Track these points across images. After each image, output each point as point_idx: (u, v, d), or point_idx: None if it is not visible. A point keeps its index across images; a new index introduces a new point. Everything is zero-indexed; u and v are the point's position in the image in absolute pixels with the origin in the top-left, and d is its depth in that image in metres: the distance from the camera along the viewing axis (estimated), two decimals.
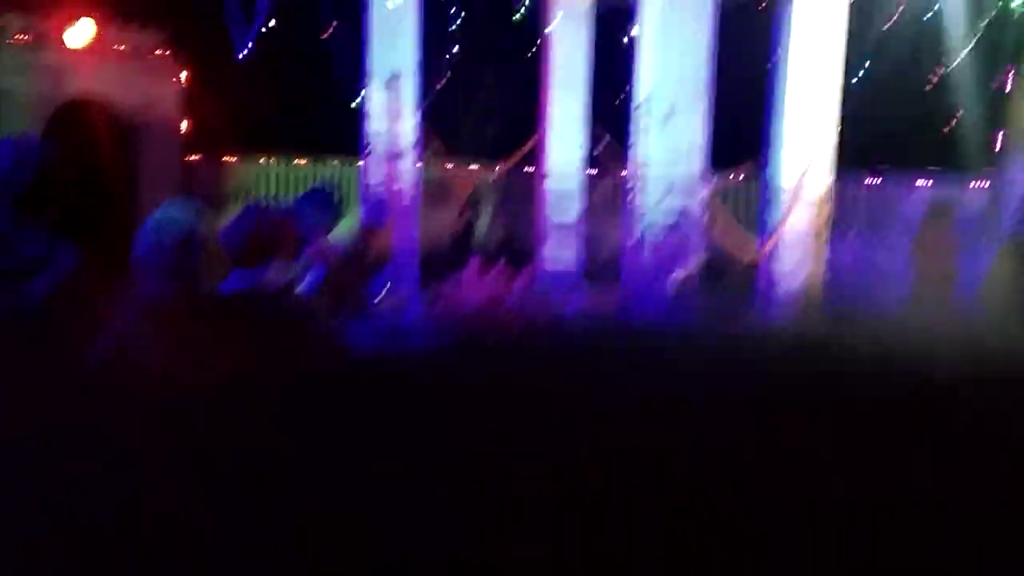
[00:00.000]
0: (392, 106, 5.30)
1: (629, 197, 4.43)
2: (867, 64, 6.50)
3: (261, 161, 16.34)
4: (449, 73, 6.60)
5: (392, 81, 5.30)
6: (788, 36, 5.56)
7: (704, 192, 4.39)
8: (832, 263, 5.92)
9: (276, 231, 3.09)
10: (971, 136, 11.79)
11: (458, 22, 6.51)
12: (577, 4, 6.50)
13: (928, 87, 6.37)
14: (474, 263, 3.97)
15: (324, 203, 4.30)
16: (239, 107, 16.55)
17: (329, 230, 3.72)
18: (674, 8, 4.19)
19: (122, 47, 13.91)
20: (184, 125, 14.79)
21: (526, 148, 6.68)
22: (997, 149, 12.28)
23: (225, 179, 15.50)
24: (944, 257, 6.81)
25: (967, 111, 7.71)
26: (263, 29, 4.63)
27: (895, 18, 5.90)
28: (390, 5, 4.57)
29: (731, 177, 6.85)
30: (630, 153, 4.37)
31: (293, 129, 19.76)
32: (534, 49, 6.93)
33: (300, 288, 3.17)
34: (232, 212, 3.24)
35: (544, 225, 6.72)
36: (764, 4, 6.37)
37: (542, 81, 6.66)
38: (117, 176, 12.88)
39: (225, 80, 15.68)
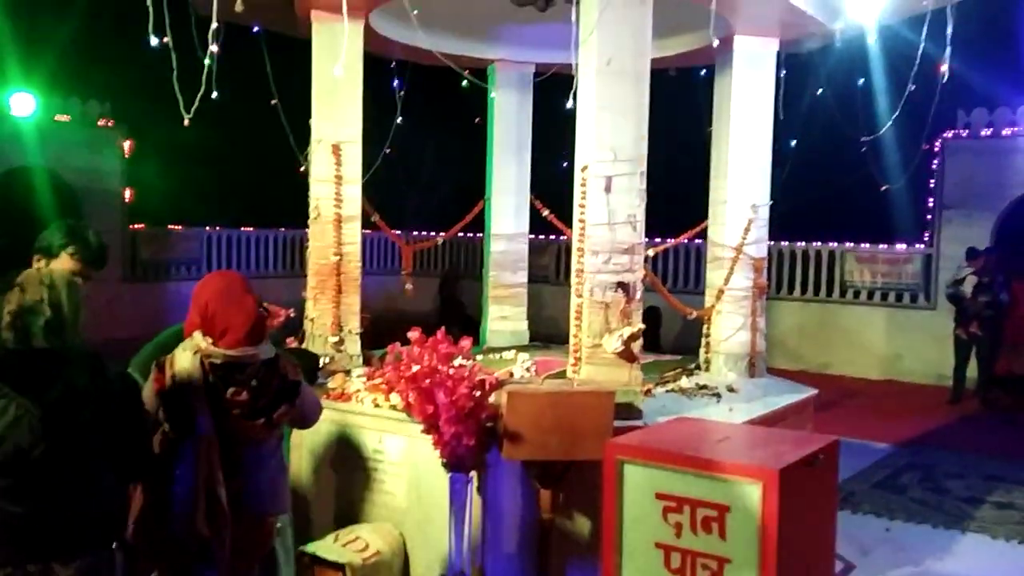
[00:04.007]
0: (336, 173, 5.33)
1: (573, 261, 4.49)
2: (798, 133, 6.75)
3: (207, 228, 16.31)
4: (391, 141, 6.68)
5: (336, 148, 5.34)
6: (724, 103, 5.77)
7: (643, 255, 4.47)
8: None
9: None
10: (901, 204, 12.33)
11: (402, 91, 6.61)
12: (518, 71, 6.68)
13: (858, 154, 6.62)
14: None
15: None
16: (183, 177, 16.49)
17: None
18: (609, 80, 4.31)
19: (67, 117, 13.92)
20: (128, 194, 14.74)
21: (471, 215, 6.76)
22: (928, 216, 12.89)
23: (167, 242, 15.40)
24: None
25: (895, 179, 8.01)
26: (207, 98, 4.64)
27: (823, 89, 6.15)
28: (336, 73, 4.62)
29: (674, 240, 7.00)
30: (575, 218, 4.43)
31: (238, 197, 19.70)
32: (476, 119, 7.08)
33: None
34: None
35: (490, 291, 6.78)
36: (701, 73, 6.61)
37: (486, 148, 6.79)
38: None
39: (168, 151, 15.60)
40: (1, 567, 2.54)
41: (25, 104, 13.48)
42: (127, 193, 14.81)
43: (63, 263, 3.64)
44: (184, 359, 2.93)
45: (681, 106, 7.50)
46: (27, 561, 2.53)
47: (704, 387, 5.25)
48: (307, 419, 3.36)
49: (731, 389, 5.32)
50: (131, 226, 14.88)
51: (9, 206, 13.95)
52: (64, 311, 2.66)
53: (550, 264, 16.07)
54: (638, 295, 4.38)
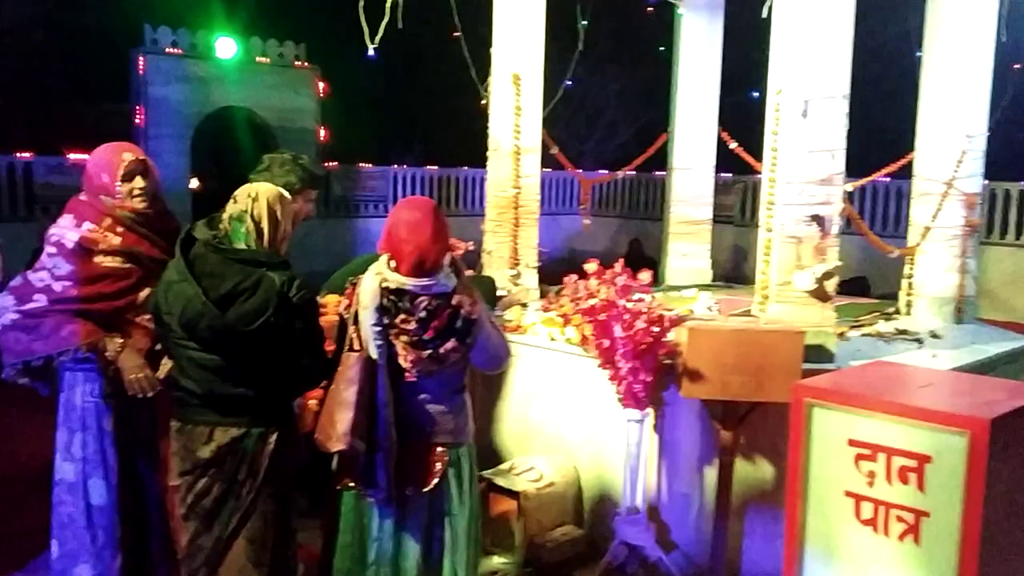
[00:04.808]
0: (516, 104, 5.25)
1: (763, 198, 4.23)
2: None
3: (394, 167, 16.80)
4: (571, 74, 6.51)
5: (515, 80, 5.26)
6: (938, 22, 5.22)
7: (843, 191, 4.14)
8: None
9: None
10: None
11: (585, 21, 6.41)
12: None
13: None
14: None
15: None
16: (372, 117, 17.03)
17: None
18: None
19: (266, 60, 14.64)
20: (322, 133, 15.38)
21: (653, 148, 6.52)
22: None
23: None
24: None
25: None
26: (392, 26, 4.65)
27: None
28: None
29: (877, 174, 6.48)
30: (766, 146, 4.16)
31: (423, 137, 20.17)
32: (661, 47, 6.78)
33: None
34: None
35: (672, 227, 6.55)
36: None
37: (670, 79, 6.50)
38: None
39: (358, 92, 16.10)
40: (176, 421, 3.12)
41: (228, 47, 14.26)
42: (321, 132, 15.44)
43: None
44: (367, 280, 2.97)
45: (887, 26, 6.89)
46: (194, 424, 3.07)
47: (904, 332, 4.87)
48: (487, 361, 3.21)
49: (934, 335, 4.90)
50: (324, 164, 15.54)
51: (217, 146, 14.93)
52: (263, 222, 3.06)
53: (735, 204, 15.48)
54: (834, 230, 4.07)
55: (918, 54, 5.57)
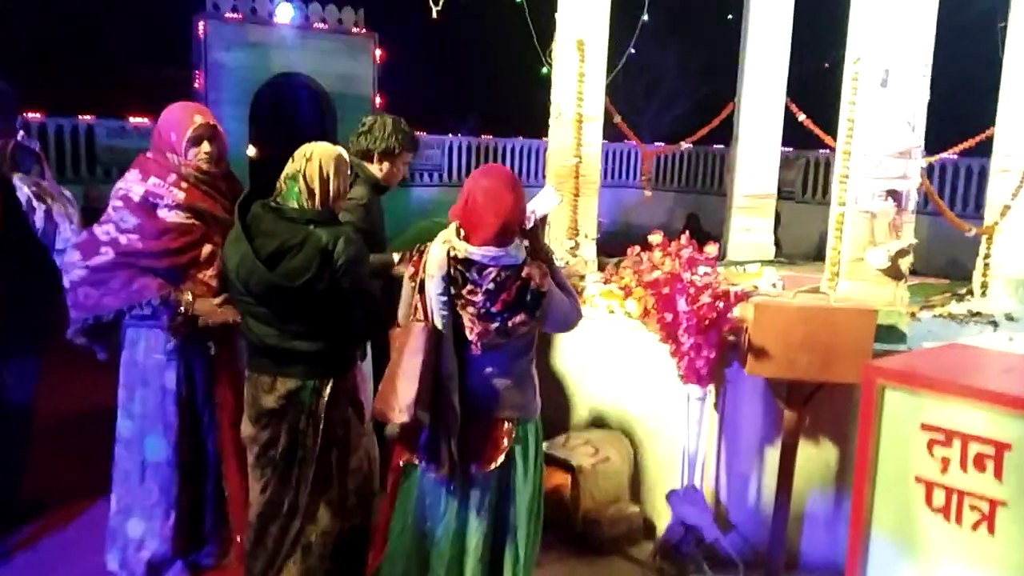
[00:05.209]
0: (579, 70, 5.13)
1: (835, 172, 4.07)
2: None
3: (449, 136, 16.73)
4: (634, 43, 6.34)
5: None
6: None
7: (922, 166, 3.96)
8: None
9: None
10: None
11: None
12: None
13: None
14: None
15: None
16: (427, 85, 16.95)
17: None
18: None
19: (324, 25, 14.64)
20: (378, 100, 15.36)
21: (718, 119, 6.35)
22: None
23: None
24: None
25: None
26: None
27: None
28: None
29: (953, 150, 6.23)
30: (841, 116, 3.99)
31: (479, 105, 20.05)
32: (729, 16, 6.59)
33: None
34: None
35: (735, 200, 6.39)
36: None
37: (737, 50, 6.31)
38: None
39: (415, 59, 16.01)
40: (247, 370, 3.26)
41: (287, 12, 14.28)
42: (377, 99, 15.43)
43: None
44: (434, 248, 2.90)
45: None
46: (259, 373, 3.19)
47: (978, 314, 4.68)
48: (556, 325, 3.11)
49: (1010, 317, 4.70)
50: None
51: (275, 112, 15.01)
52: (314, 182, 3.11)
53: (797, 179, 15.12)
54: (911, 206, 3.90)
55: (1001, 25, 5.32)
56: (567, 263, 5.19)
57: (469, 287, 2.83)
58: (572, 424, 4.72)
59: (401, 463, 3.03)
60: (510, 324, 2.84)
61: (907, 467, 3.11)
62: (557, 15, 5.22)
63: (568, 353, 4.78)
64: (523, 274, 2.85)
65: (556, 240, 5.27)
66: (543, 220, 3.07)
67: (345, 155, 3.29)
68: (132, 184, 3.53)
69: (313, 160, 3.12)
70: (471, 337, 2.85)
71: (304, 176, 3.10)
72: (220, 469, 3.72)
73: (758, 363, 3.62)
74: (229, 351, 3.68)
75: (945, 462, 3.01)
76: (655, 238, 3.85)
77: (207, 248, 3.55)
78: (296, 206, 3.10)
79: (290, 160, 3.16)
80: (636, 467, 4.44)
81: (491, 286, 2.81)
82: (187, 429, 3.66)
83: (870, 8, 3.86)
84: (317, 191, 3.10)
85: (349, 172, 3.35)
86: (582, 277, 5.05)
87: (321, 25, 14.70)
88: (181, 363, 3.62)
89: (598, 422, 4.63)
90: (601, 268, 5.29)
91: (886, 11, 3.81)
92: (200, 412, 3.69)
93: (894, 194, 3.86)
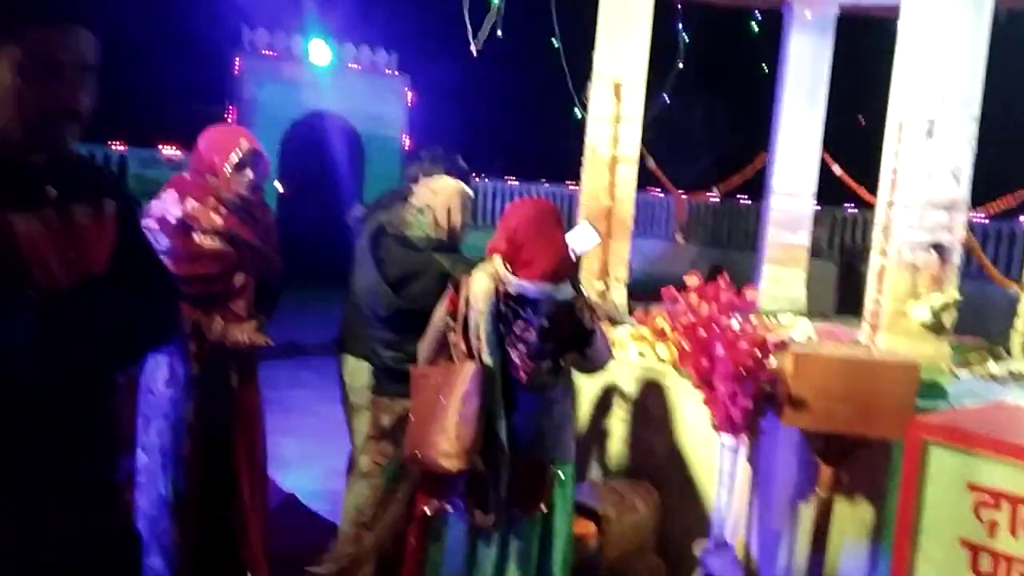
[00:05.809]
0: (615, 112, 5.10)
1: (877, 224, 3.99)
2: None
3: (474, 177, 16.78)
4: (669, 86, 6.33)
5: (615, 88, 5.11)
6: None
7: (966, 214, 3.88)
8: None
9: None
10: None
11: (689, 31, 6.24)
12: (819, 10, 6.08)
13: None
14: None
15: None
16: (455, 128, 17.09)
17: None
18: (946, 5, 3.72)
19: (357, 66, 14.80)
20: (407, 141, 15.45)
21: (751, 168, 6.31)
22: None
23: None
24: None
25: None
26: (492, 33, 4.58)
27: None
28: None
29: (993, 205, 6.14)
30: (883, 167, 3.92)
31: (505, 149, 20.18)
32: (763, 64, 6.58)
33: None
34: None
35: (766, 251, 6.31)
36: None
37: (775, 95, 6.28)
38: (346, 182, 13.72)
39: (444, 100, 16.16)
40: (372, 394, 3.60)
41: (322, 52, 14.45)
42: (407, 141, 15.52)
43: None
44: (480, 281, 2.81)
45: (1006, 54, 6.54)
46: (379, 395, 3.54)
47: (1020, 374, 4.55)
48: (596, 364, 3.07)
49: None
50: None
51: (304, 150, 15.13)
52: (438, 213, 3.43)
53: (823, 236, 15.00)
54: (955, 259, 3.81)
55: None
56: (596, 305, 5.11)
57: (521, 323, 2.73)
58: (595, 470, 4.60)
59: (428, 511, 2.89)
60: (561, 362, 2.74)
61: (952, 529, 2.98)
62: (595, 55, 5.21)
63: (594, 396, 4.67)
64: (575, 311, 2.76)
65: (585, 281, 5.21)
66: (577, 259, 3.01)
67: (469, 191, 3.58)
68: (169, 205, 3.43)
69: (440, 194, 3.43)
70: (520, 376, 2.75)
71: (430, 207, 3.41)
72: (245, 509, 3.59)
73: (796, 413, 3.50)
74: (251, 383, 3.59)
75: (993, 526, 2.88)
76: (692, 280, 3.77)
77: (240, 277, 3.47)
78: (422, 235, 3.37)
79: (415, 194, 3.50)
80: (663, 517, 4.30)
81: (545, 323, 2.72)
82: (201, 464, 3.54)
83: (916, 56, 3.81)
84: (441, 221, 3.40)
85: (470, 205, 3.64)
86: (611, 321, 4.97)
87: (354, 66, 14.86)
88: (200, 394, 3.50)
89: (624, 469, 4.50)
90: (630, 312, 5.20)
91: (932, 58, 3.76)
92: (216, 446, 3.58)
93: (938, 247, 3.77)
